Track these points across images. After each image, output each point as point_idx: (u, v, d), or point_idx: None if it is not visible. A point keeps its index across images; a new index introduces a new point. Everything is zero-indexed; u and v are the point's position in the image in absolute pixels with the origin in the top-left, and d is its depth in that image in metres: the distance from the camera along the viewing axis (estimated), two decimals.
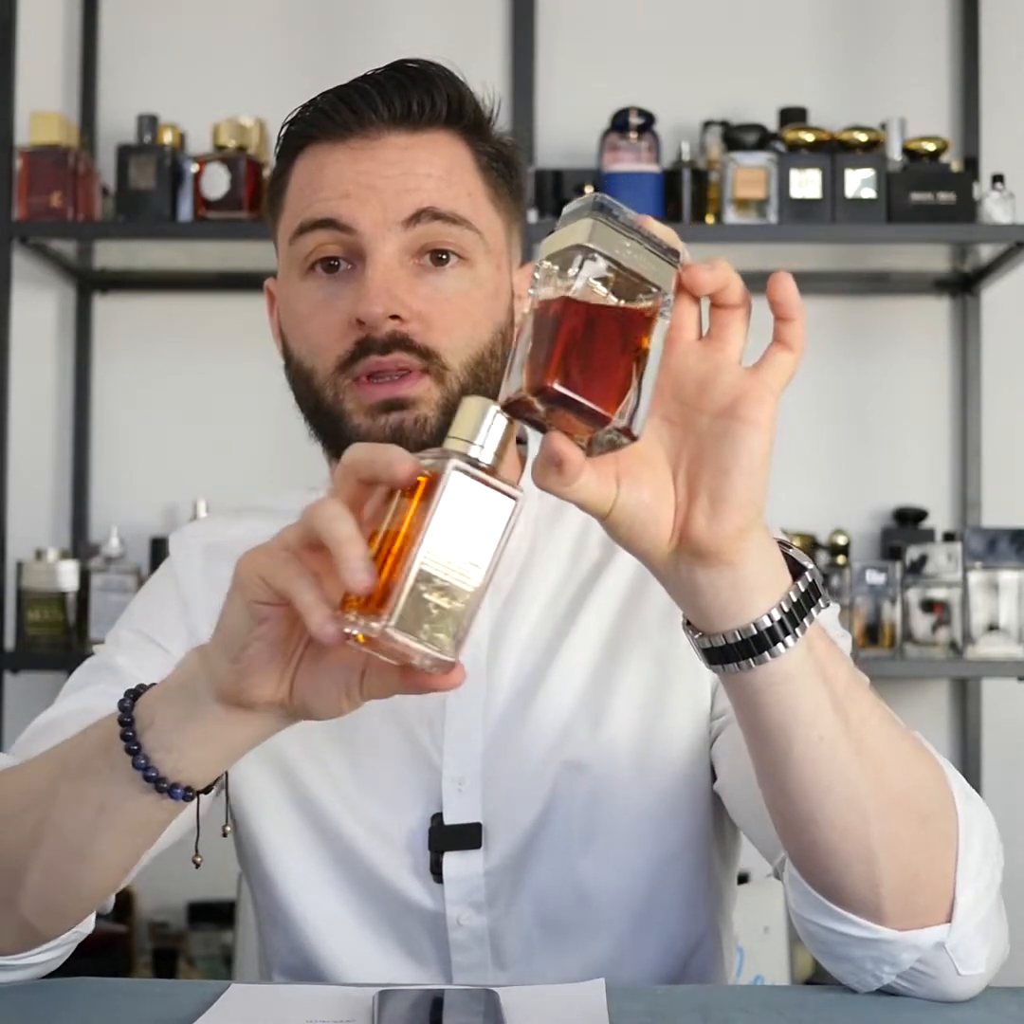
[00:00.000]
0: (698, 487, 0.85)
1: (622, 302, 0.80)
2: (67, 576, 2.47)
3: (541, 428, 0.82)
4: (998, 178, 2.51)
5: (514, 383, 0.80)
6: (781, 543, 0.92)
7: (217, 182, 2.48)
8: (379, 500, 0.84)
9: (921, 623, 2.50)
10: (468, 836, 1.17)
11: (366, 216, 1.13)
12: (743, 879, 2.19)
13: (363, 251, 1.13)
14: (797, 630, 0.88)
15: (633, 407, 0.81)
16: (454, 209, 1.14)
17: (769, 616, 0.87)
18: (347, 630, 0.80)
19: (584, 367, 0.79)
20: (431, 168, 1.15)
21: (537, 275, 0.81)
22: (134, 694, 0.95)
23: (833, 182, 2.46)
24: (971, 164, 2.59)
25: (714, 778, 1.20)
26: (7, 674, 2.51)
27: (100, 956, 2.41)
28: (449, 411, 1.11)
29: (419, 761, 1.19)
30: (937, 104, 2.78)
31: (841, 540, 2.62)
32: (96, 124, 2.76)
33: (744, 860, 1.32)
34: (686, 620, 0.91)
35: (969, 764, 2.70)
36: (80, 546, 2.65)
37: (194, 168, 2.50)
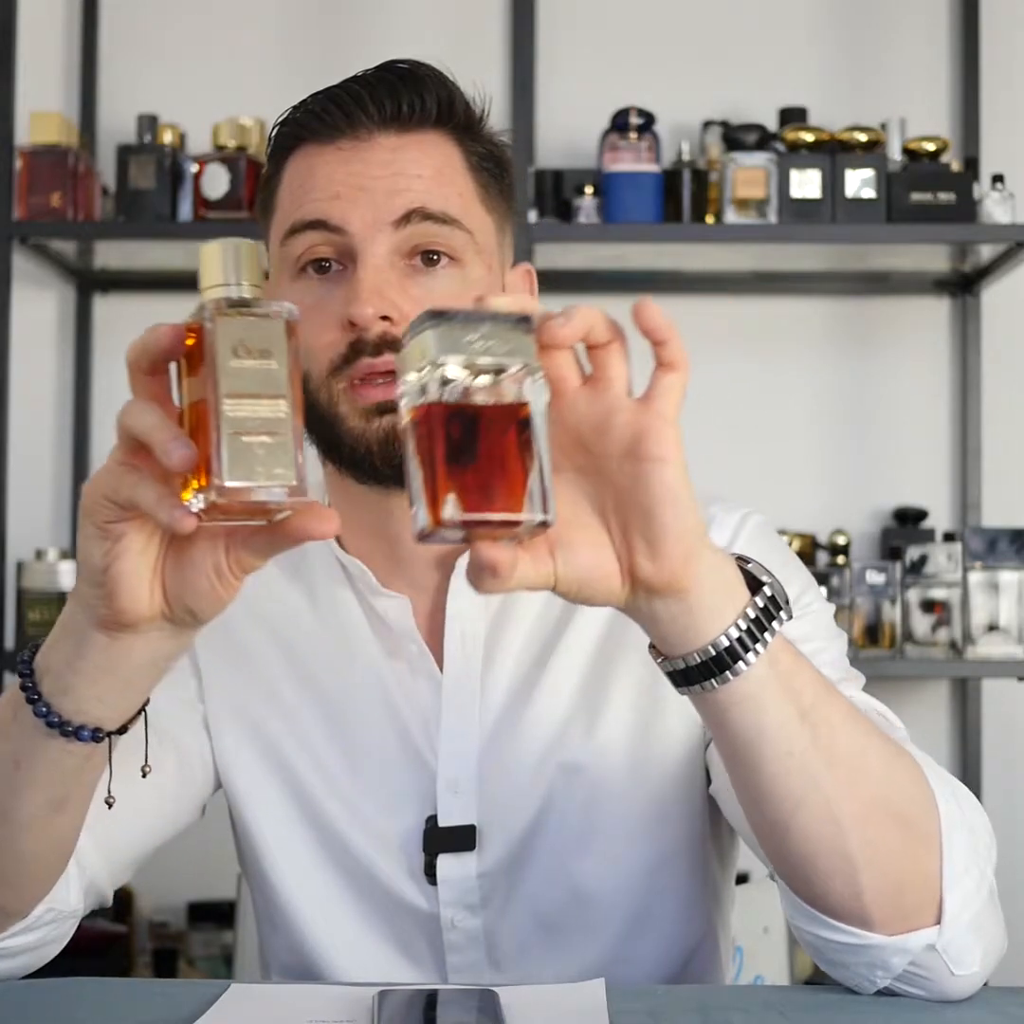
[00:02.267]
0: (630, 531, 0.86)
1: (490, 398, 0.80)
2: (67, 576, 2.47)
3: (465, 540, 0.82)
4: (998, 178, 2.51)
5: (419, 514, 0.80)
6: (739, 558, 0.92)
7: (217, 182, 2.48)
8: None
9: (921, 623, 2.50)
10: (462, 838, 1.17)
11: (356, 217, 1.13)
12: (742, 879, 2.19)
13: (354, 252, 1.13)
14: (758, 646, 0.89)
15: (539, 492, 0.81)
16: (444, 209, 1.14)
17: (727, 635, 0.88)
18: (195, 510, 0.80)
19: (475, 482, 0.80)
20: (421, 168, 1.15)
21: (402, 402, 0.81)
22: (35, 647, 0.95)
23: (833, 182, 2.46)
24: (971, 164, 2.59)
25: (709, 781, 1.20)
26: (7, 674, 2.51)
27: (100, 956, 2.41)
28: None
29: (414, 763, 1.19)
30: (937, 104, 2.78)
31: (841, 540, 2.62)
32: (96, 124, 2.76)
33: (743, 860, 1.32)
34: (651, 644, 0.92)
35: (969, 764, 2.70)
36: None
37: (194, 168, 2.51)
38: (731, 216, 2.47)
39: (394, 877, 1.19)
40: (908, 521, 2.70)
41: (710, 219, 2.53)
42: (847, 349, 2.78)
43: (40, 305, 2.78)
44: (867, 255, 2.63)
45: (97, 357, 2.78)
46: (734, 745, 0.92)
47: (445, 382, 0.79)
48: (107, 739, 0.94)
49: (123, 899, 2.58)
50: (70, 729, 0.92)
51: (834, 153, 2.47)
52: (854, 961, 0.97)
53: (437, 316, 0.80)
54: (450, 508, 0.79)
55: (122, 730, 0.95)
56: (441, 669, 1.19)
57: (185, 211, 2.52)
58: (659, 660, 0.91)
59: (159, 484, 0.82)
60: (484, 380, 0.80)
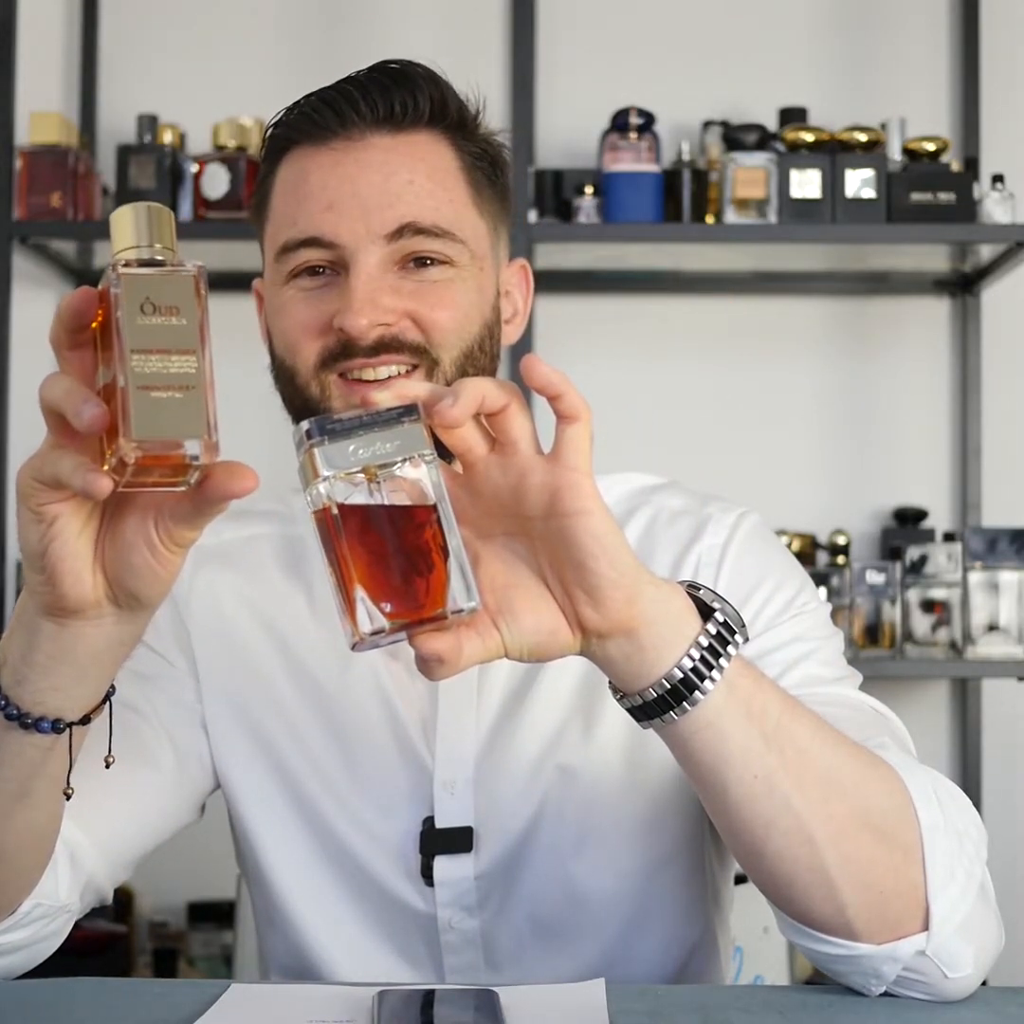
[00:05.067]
0: (569, 585, 0.87)
1: (386, 498, 0.81)
2: None
3: (402, 638, 0.84)
4: (998, 178, 2.51)
5: (346, 628, 0.81)
6: (690, 586, 0.92)
7: (217, 182, 2.48)
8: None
9: (921, 623, 2.50)
10: (459, 840, 1.17)
11: (348, 230, 1.13)
12: (742, 879, 2.18)
13: (346, 262, 1.13)
14: (713, 674, 0.89)
15: (460, 579, 0.82)
16: (436, 221, 1.14)
17: (680, 667, 0.89)
18: (108, 470, 0.79)
19: (391, 586, 0.81)
20: (413, 174, 1.15)
21: (312, 521, 0.82)
22: None
23: (833, 182, 2.46)
24: (971, 164, 2.59)
25: None
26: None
27: (100, 956, 2.41)
28: None
29: (411, 764, 1.19)
30: (937, 104, 2.78)
31: (841, 540, 2.62)
32: (96, 124, 2.76)
33: None
34: (610, 683, 0.92)
35: (969, 764, 2.70)
36: None
37: (194, 168, 2.51)
38: (731, 216, 2.47)
39: (391, 878, 1.19)
40: (908, 521, 2.70)
41: (710, 219, 2.53)
42: (847, 349, 2.78)
43: (40, 305, 2.78)
44: (867, 255, 2.63)
45: None
46: (700, 772, 0.93)
47: (338, 494, 0.81)
48: (68, 730, 0.93)
49: (123, 899, 2.58)
50: (30, 721, 0.92)
51: (834, 153, 2.47)
52: (848, 970, 0.97)
53: (312, 434, 0.81)
54: (368, 621, 0.81)
55: (85, 720, 0.94)
56: None
57: (185, 211, 2.52)
58: (618, 698, 0.92)
59: (77, 455, 0.82)
60: (377, 482, 0.81)
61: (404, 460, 0.82)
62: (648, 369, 2.75)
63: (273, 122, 1.19)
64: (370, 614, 0.81)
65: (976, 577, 2.47)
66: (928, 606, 2.49)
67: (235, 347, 3.06)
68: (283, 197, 1.17)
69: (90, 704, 0.94)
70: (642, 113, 2.56)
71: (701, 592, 0.92)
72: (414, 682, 1.20)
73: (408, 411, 0.83)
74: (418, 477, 0.82)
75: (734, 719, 0.90)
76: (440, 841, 1.17)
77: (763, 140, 2.52)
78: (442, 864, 1.17)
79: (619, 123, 2.56)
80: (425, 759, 1.19)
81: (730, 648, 0.90)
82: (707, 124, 2.64)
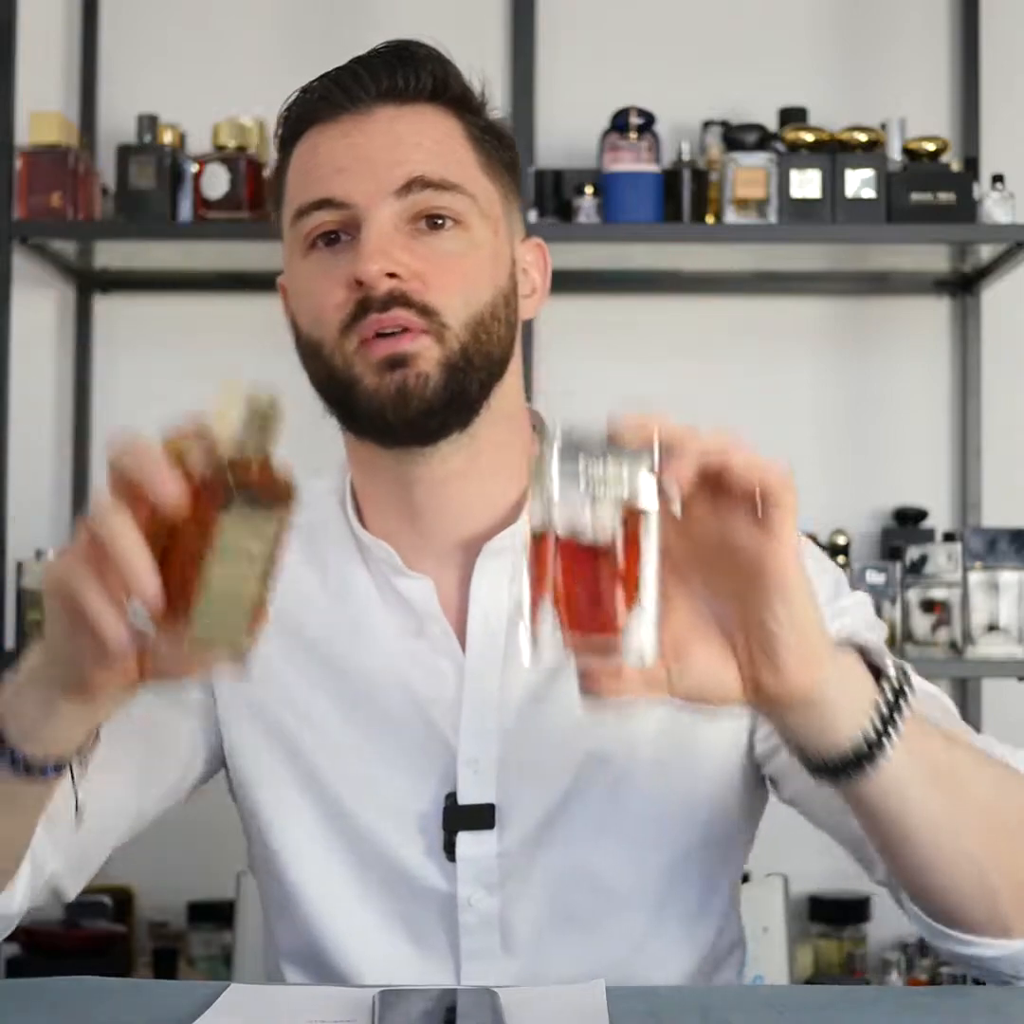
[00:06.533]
0: (754, 649, 0.88)
1: (602, 530, 0.82)
2: None
3: (578, 663, 0.86)
4: (998, 178, 2.50)
5: (528, 639, 0.83)
6: (860, 649, 0.94)
7: (217, 182, 2.48)
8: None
9: (921, 623, 2.49)
10: (482, 816, 1.17)
11: (359, 188, 1.15)
12: (742, 879, 2.19)
13: (359, 221, 1.15)
14: (892, 734, 0.91)
15: (648, 631, 0.83)
16: (444, 176, 1.16)
17: (862, 734, 0.91)
18: (143, 634, 0.83)
19: (581, 614, 0.82)
20: (421, 137, 1.17)
21: (524, 520, 0.85)
22: None
23: (833, 182, 2.46)
24: (971, 164, 2.59)
25: (775, 789, 1.21)
26: (7, 674, 2.50)
27: (100, 956, 2.40)
28: (450, 369, 1.14)
29: (434, 742, 1.19)
30: (937, 104, 2.77)
31: (841, 540, 2.62)
32: (96, 124, 2.76)
33: None
34: (785, 739, 0.94)
35: None
36: None
37: (194, 168, 2.50)
38: (731, 216, 2.47)
39: (410, 856, 1.19)
40: (908, 521, 2.70)
41: (710, 219, 2.53)
42: (847, 349, 2.78)
43: (40, 305, 2.78)
44: (867, 255, 2.63)
45: (97, 357, 2.77)
46: (877, 822, 0.96)
47: (560, 519, 0.82)
48: (69, 767, 0.97)
49: (123, 899, 2.57)
50: (34, 770, 0.95)
51: (834, 153, 2.47)
52: (995, 969, 1.00)
53: (554, 458, 0.82)
54: (551, 640, 0.82)
55: (80, 749, 0.97)
56: (463, 649, 1.20)
57: (185, 211, 2.52)
58: (796, 757, 0.94)
59: (105, 594, 0.83)
60: (599, 516, 0.82)
61: (631, 500, 0.83)
62: (648, 369, 2.74)
63: (283, 110, 1.21)
64: (554, 634, 0.83)
65: (976, 577, 2.47)
66: (928, 606, 2.49)
67: (235, 346, 3.05)
68: (296, 175, 1.20)
69: (84, 742, 0.96)
70: (642, 113, 2.56)
71: (871, 654, 0.94)
72: (437, 659, 1.20)
73: (643, 454, 0.83)
74: (639, 521, 0.83)
75: (911, 771, 0.93)
76: (463, 817, 1.17)
77: (763, 140, 2.52)
78: (465, 840, 1.17)
79: (619, 123, 2.56)
80: (448, 736, 1.19)
81: (904, 706, 0.92)
82: (707, 124, 2.63)
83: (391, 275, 1.13)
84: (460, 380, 1.15)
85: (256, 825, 1.24)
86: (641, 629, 0.83)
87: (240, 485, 0.81)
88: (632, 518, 0.82)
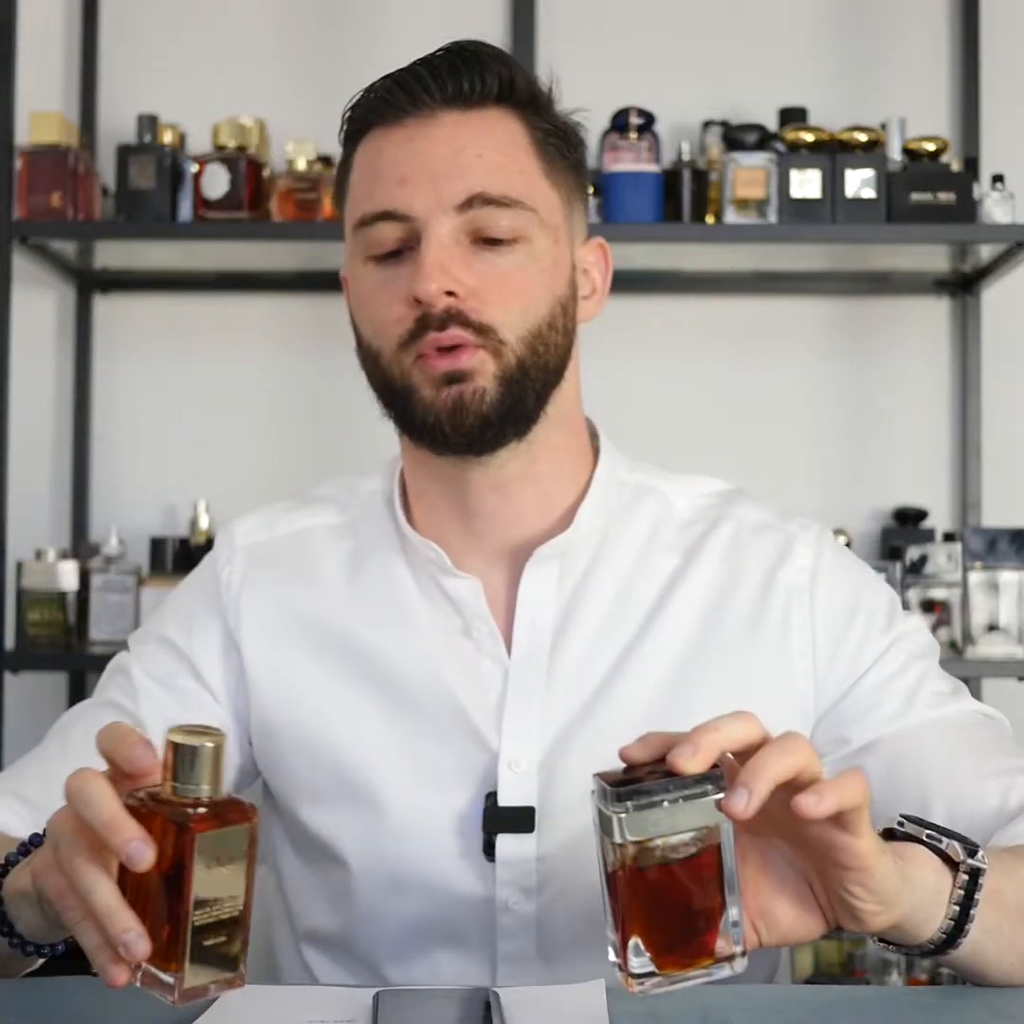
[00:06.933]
0: (833, 899, 0.90)
1: (676, 862, 0.83)
2: (67, 576, 2.47)
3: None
4: (998, 178, 2.50)
5: (619, 974, 0.85)
6: (931, 841, 0.94)
7: (217, 182, 2.48)
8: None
9: None
10: (522, 819, 1.17)
11: (420, 202, 1.16)
12: None
13: (419, 233, 1.16)
14: (972, 913, 0.93)
15: (734, 940, 0.84)
16: (506, 192, 1.17)
17: (943, 928, 0.93)
18: (139, 976, 0.85)
19: (665, 940, 0.84)
20: (482, 147, 1.18)
21: (598, 857, 0.85)
22: (3, 869, 0.98)
23: (833, 182, 2.46)
24: (971, 164, 2.59)
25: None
26: (7, 674, 2.50)
27: None
28: (507, 383, 1.15)
29: (475, 743, 1.19)
30: (937, 104, 2.78)
31: (841, 540, 2.62)
32: (96, 124, 2.76)
33: None
34: None
35: None
36: (80, 546, 2.65)
37: (194, 168, 2.50)
38: (731, 216, 2.47)
39: (448, 858, 1.18)
40: (908, 521, 2.70)
41: (710, 219, 2.53)
42: (847, 349, 2.78)
43: (40, 305, 2.78)
44: (867, 255, 2.63)
45: (97, 357, 2.77)
46: (960, 971, 0.99)
47: (632, 858, 0.82)
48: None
49: None
50: (31, 950, 0.98)
51: (834, 153, 2.47)
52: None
53: (622, 799, 0.82)
54: (639, 967, 0.84)
55: None
56: (508, 651, 1.20)
57: (185, 211, 2.52)
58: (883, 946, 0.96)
59: (100, 934, 0.84)
60: (670, 847, 0.82)
61: (703, 829, 0.83)
62: (648, 369, 2.74)
63: (350, 106, 1.22)
64: (641, 962, 0.84)
65: (976, 577, 2.47)
66: (928, 606, 2.49)
67: (235, 346, 3.05)
68: (360, 176, 1.21)
69: None
70: (642, 113, 2.56)
71: (942, 845, 0.94)
72: (481, 660, 1.20)
73: (712, 780, 0.83)
74: (713, 841, 0.83)
75: (989, 935, 0.95)
76: (503, 819, 1.17)
77: (763, 140, 2.52)
78: (504, 842, 1.17)
79: (619, 123, 2.56)
80: (490, 738, 1.19)
81: (980, 885, 0.93)
82: (707, 124, 2.64)
83: (449, 293, 1.14)
84: (517, 392, 1.17)
85: (299, 828, 1.25)
86: (731, 937, 0.84)
87: (205, 826, 0.81)
88: (709, 835, 0.83)
